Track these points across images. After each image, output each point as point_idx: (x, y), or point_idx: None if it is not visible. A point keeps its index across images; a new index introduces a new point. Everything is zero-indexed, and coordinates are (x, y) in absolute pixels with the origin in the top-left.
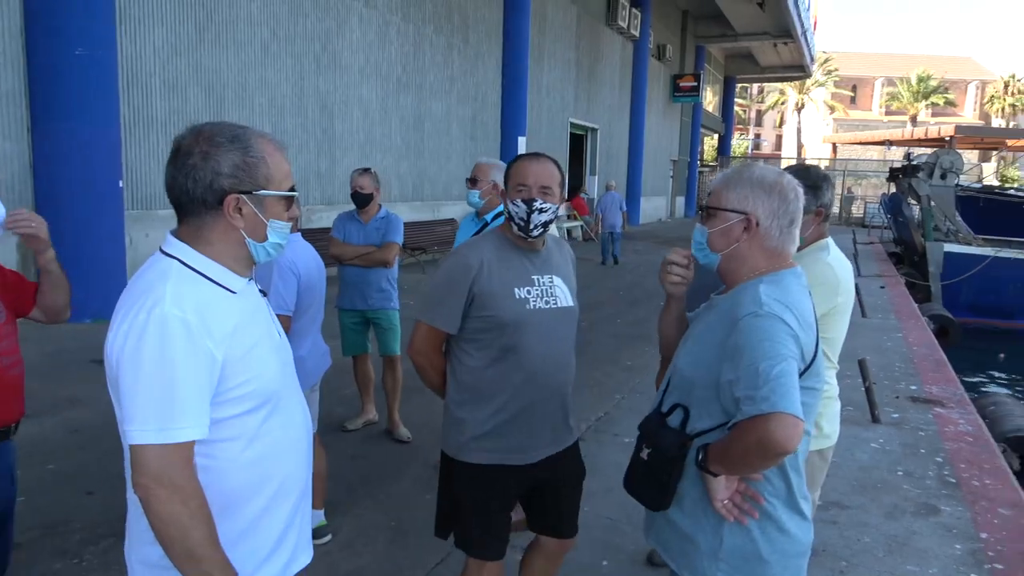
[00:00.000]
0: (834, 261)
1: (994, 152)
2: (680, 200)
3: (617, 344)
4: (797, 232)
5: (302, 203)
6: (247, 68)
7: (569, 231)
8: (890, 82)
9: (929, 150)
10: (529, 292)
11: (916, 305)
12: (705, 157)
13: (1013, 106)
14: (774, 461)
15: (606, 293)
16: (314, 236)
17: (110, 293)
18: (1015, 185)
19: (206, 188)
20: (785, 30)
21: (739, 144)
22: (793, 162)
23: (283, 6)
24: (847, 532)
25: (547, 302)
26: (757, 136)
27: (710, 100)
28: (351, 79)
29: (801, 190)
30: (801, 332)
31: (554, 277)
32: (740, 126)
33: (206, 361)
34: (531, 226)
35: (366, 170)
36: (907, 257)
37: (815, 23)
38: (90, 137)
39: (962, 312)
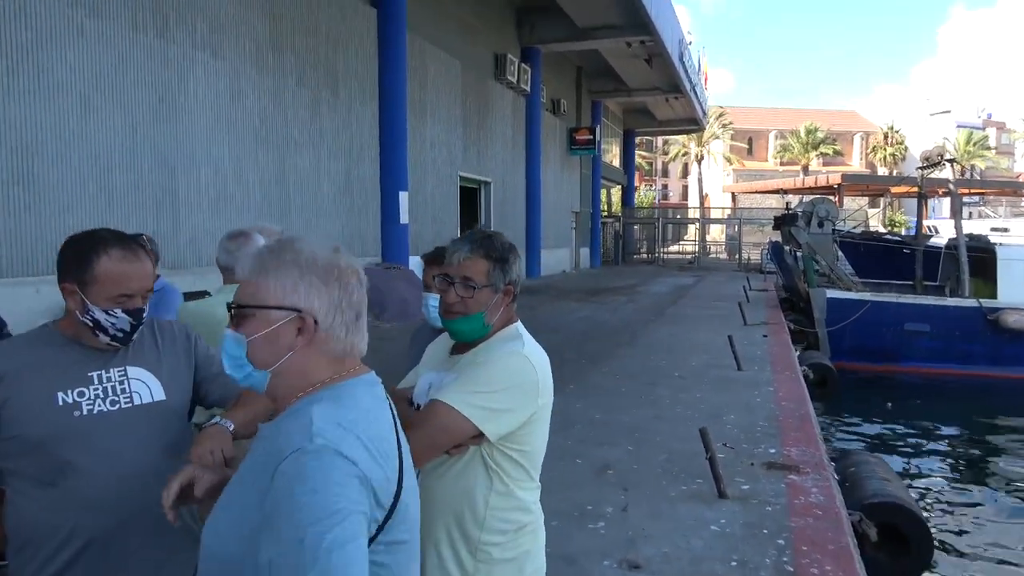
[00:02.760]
0: (532, 354)
1: (881, 198)
2: (584, 251)
3: None
4: (364, 324)
5: None
6: (63, 122)
7: None
8: (781, 135)
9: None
10: (82, 395)
11: (796, 354)
12: (614, 209)
13: (893, 155)
14: None
15: None
16: None
17: None
18: (901, 230)
19: None
20: (674, 86)
21: (646, 195)
22: (696, 212)
23: (106, 56)
24: None
25: (114, 402)
26: (664, 187)
27: (614, 153)
28: (197, 134)
29: (363, 273)
30: (374, 466)
31: (130, 368)
32: (648, 177)
33: None
34: (133, 336)
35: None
36: (794, 303)
37: (706, 79)
38: None
39: (847, 357)
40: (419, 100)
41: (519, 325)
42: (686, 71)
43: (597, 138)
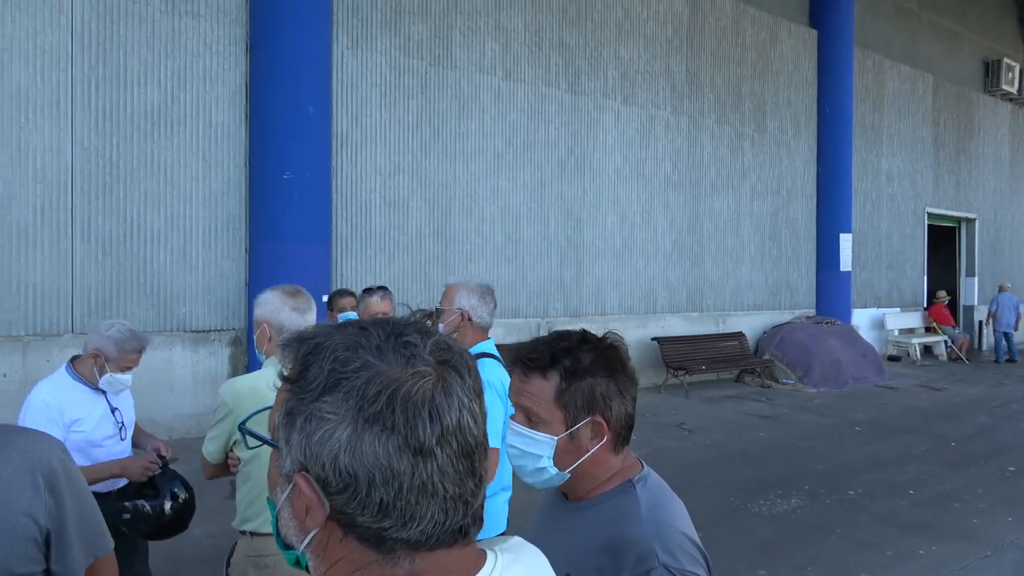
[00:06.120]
0: None
1: None
2: None
3: (872, 534)
4: None
5: (543, 314)
6: (477, 179)
7: (928, 347)
8: None
9: None
10: None
11: None
12: None
13: None
14: None
15: (928, 441)
16: None
17: None
18: None
19: None
20: None
21: None
22: None
23: (520, 114)
24: None
25: None
26: None
27: None
28: (604, 182)
29: None
30: None
31: None
32: None
33: None
34: None
35: (381, 288)
36: None
37: None
38: (295, 255)
39: None
40: (871, 126)
41: None
42: None
43: None
